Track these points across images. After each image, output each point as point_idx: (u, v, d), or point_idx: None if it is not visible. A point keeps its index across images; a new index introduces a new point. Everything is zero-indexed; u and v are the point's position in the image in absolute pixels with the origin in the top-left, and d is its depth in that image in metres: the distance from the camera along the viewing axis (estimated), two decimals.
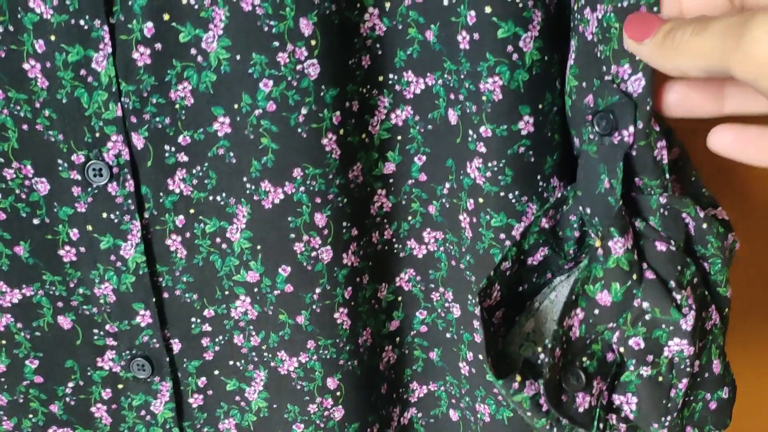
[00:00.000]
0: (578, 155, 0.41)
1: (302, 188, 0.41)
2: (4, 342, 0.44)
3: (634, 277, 0.37)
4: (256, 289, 0.44)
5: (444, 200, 0.45)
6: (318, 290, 0.44)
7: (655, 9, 0.34)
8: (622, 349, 0.38)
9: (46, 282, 0.43)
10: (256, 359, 0.46)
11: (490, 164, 0.40)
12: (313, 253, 0.43)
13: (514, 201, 0.41)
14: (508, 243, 0.42)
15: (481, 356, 0.45)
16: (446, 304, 0.47)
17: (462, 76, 0.40)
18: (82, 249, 0.43)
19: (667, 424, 0.38)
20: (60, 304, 0.44)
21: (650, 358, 0.37)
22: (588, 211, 0.39)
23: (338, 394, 0.46)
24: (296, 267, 0.43)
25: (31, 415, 0.46)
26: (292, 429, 0.47)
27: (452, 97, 0.41)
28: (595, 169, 0.38)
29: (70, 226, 0.42)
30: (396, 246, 0.47)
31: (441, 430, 0.52)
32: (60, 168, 0.41)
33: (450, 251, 0.46)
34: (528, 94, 0.39)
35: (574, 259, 0.42)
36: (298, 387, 0.46)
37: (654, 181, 0.37)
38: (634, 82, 0.35)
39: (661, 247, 0.37)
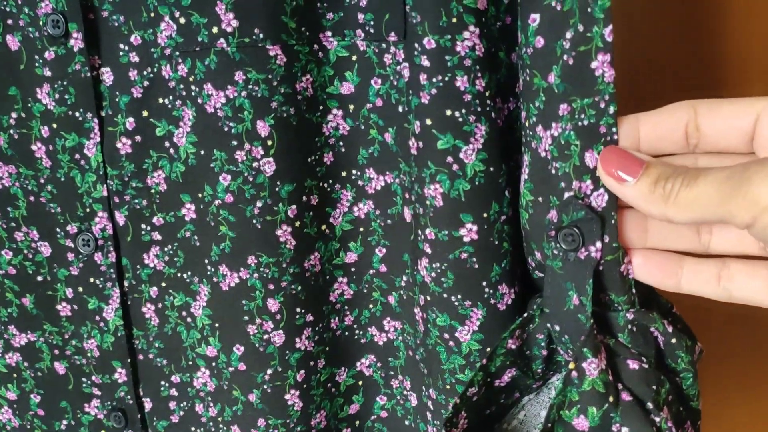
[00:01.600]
0: (536, 265, 0.40)
1: (256, 275, 0.44)
2: (15, 376, 0.51)
3: (611, 399, 0.35)
4: (214, 363, 0.47)
5: (402, 292, 0.45)
6: (269, 371, 0.46)
7: (614, 129, 0.34)
8: None
9: (46, 331, 0.49)
10: (212, 430, 0.48)
11: (434, 265, 0.41)
12: (266, 336, 0.45)
13: (456, 304, 0.41)
14: (452, 344, 0.42)
15: None
16: (404, 392, 0.47)
17: (413, 179, 0.41)
18: (75, 306, 0.48)
19: None
20: (56, 351, 0.50)
21: None
22: (557, 328, 0.38)
23: None
24: (249, 347, 0.45)
25: None
26: None
27: (407, 196, 0.42)
28: (562, 285, 0.37)
29: (66, 286, 0.48)
30: (357, 332, 0.47)
31: None
32: (58, 235, 0.47)
33: (407, 341, 0.46)
34: (470, 203, 0.39)
35: (543, 377, 0.41)
36: None
37: (621, 296, 0.36)
38: (597, 197, 0.35)
39: (633, 365, 0.36)
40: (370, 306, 0.47)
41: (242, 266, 0.44)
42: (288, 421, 0.47)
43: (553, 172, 0.36)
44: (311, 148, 0.43)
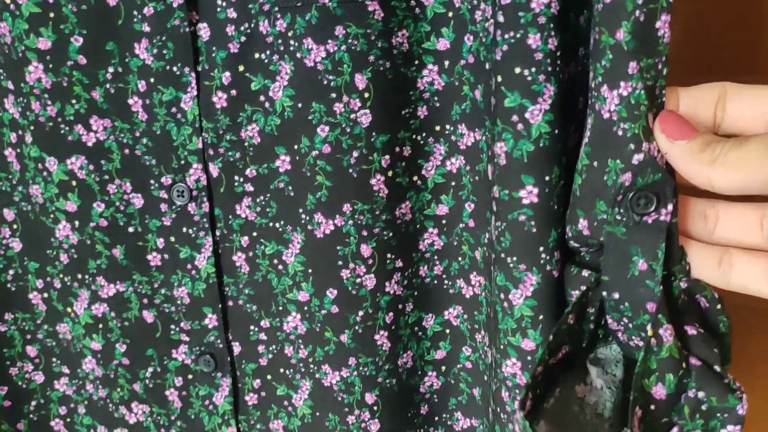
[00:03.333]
0: (573, 236, 0.40)
1: (351, 222, 0.46)
2: (101, 326, 0.53)
3: (683, 365, 0.35)
4: (306, 308, 0.49)
5: (485, 249, 0.47)
6: (361, 313, 0.48)
7: (664, 92, 0.35)
8: None
9: (135, 281, 0.51)
10: (303, 370, 0.51)
11: (497, 224, 0.41)
12: (358, 280, 0.47)
13: (511, 266, 0.41)
14: (506, 305, 0.42)
15: (498, 409, 0.46)
16: (485, 348, 0.50)
17: (491, 136, 0.42)
18: (166, 256, 0.50)
19: None
20: (145, 300, 0.51)
21: None
22: (616, 296, 0.38)
23: (375, 408, 0.51)
24: (342, 291, 0.48)
25: (119, 389, 0.55)
26: None
27: (489, 153, 0.44)
28: (626, 252, 0.37)
29: (157, 236, 0.50)
30: (446, 282, 0.50)
31: None
32: (152, 187, 0.48)
33: (488, 297, 0.48)
34: (532, 165, 0.39)
35: (586, 352, 0.41)
36: (339, 398, 0.51)
37: (677, 265, 0.36)
38: (662, 158, 0.35)
39: (692, 331, 0.37)
40: (459, 259, 0.49)
41: (338, 214, 0.46)
42: (377, 359, 0.49)
43: (620, 133, 0.36)
44: (405, 101, 0.45)
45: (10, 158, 0.50)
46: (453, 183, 0.47)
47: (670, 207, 0.35)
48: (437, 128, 0.46)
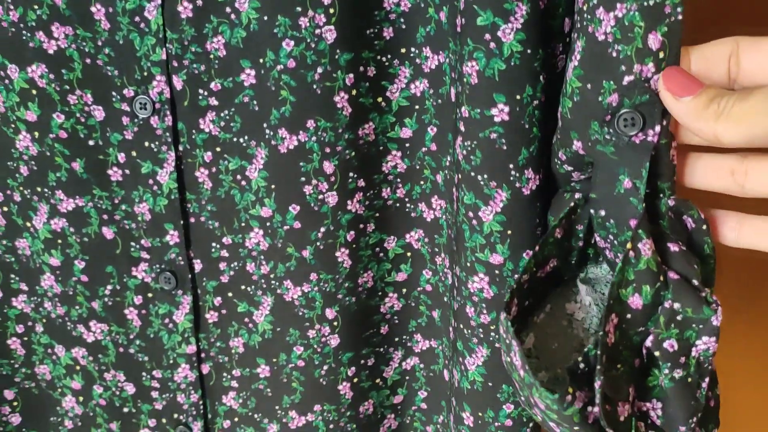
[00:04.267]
0: (567, 158, 0.41)
1: (314, 138, 0.47)
2: (59, 241, 0.53)
3: (661, 278, 0.37)
4: (268, 224, 0.50)
5: (446, 171, 0.48)
6: (322, 229, 0.49)
7: (679, 9, 0.35)
8: (657, 353, 0.37)
9: (96, 196, 0.51)
10: (264, 286, 0.52)
11: (466, 143, 0.42)
12: (320, 196, 0.48)
13: (482, 183, 0.42)
14: (474, 223, 0.43)
15: (461, 325, 0.47)
16: (445, 270, 0.51)
17: (457, 57, 0.42)
18: (127, 171, 0.50)
19: (692, 425, 0.38)
20: (105, 216, 0.51)
21: (682, 359, 0.37)
22: (602, 213, 0.39)
23: (335, 323, 0.52)
24: (304, 207, 0.48)
25: (77, 307, 0.55)
26: (293, 351, 0.53)
27: (453, 75, 0.44)
28: (613, 170, 0.38)
29: (118, 150, 0.49)
30: (408, 206, 0.51)
31: (437, 384, 0.56)
32: (114, 99, 0.48)
33: (449, 220, 0.49)
34: (503, 83, 0.40)
35: (576, 269, 0.43)
36: (300, 313, 0.52)
37: (665, 183, 0.38)
38: (657, 80, 0.35)
39: (674, 248, 0.38)
40: (421, 183, 0.50)
41: (301, 129, 0.46)
42: (337, 276, 0.51)
43: (614, 55, 0.36)
44: (370, 21, 0.45)
45: None
46: (417, 106, 0.48)
47: (657, 128, 0.36)
48: (402, 50, 0.46)
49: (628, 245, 0.37)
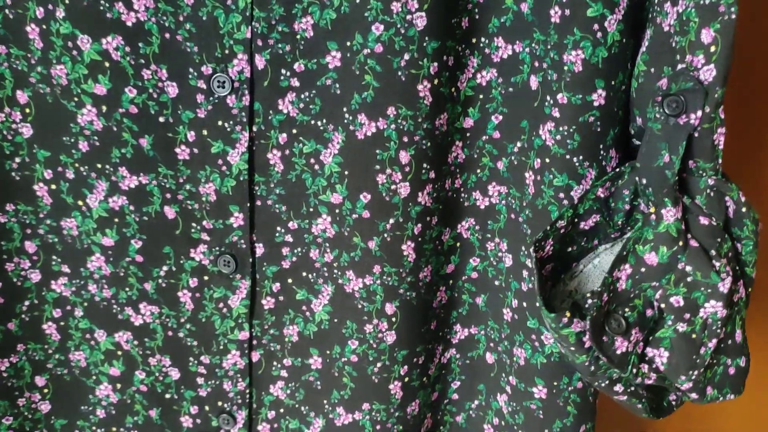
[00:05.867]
0: (636, 133, 0.45)
1: (393, 126, 0.47)
2: (116, 220, 0.51)
3: (680, 243, 0.41)
4: (337, 210, 0.49)
5: (513, 157, 0.49)
6: (391, 221, 0.49)
7: (733, 9, 0.38)
8: (663, 305, 0.42)
9: (160, 174, 0.50)
10: (326, 274, 0.51)
11: (561, 128, 0.45)
12: (393, 186, 0.48)
13: (577, 164, 0.45)
14: (566, 202, 0.46)
15: (525, 304, 0.50)
16: (500, 254, 0.52)
17: (549, 47, 0.44)
18: (195, 150, 0.49)
19: (693, 378, 0.43)
20: (168, 195, 0.50)
21: (687, 316, 0.42)
22: (644, 181, 0.43)
23: (393, 319, 0.52)
24: (376, 196, 0.48)
25: (127, 289, 0.53)
26: (347, 344, 0.53)
27: (536, 64, 0.46)
28: (657, 145, 0.42)
29: (188, 129, 0.48)
30: (463, 195, 0.51)
31: (475, 370, 0.56)
32: (190, 76, 0.47)
33: (511, 205, 0.50)
34: (604, 70, 0.43)
35: (621, 229, 0.47)
36: (359, 306, 0.51)
37: (708, 164, 0.41)
38: (706, 71, 0.39)
39: (704, 221, 0.42)
40: (478, 171, 0.51)
41: (381, 116, 0.46)
42: (401, 270, 0.50)
43: (673, 45, 0.40)
44: (456, 10, 0.46)
45: (33, 35, 0.47)
46: (481, 96, 0.49)
47: (699, 113, 0.40)
48: (473, 40, 0.47)
49: (652, 209, 0.42)
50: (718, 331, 0.41)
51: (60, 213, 0.52)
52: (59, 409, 0.58)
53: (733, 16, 0.38)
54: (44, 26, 0.47)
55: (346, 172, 0.48)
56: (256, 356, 0.54)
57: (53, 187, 0.51)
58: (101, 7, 0.45)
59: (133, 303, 0.53)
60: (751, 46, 0.57)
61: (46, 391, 0.57)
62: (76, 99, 0.48)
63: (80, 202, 0.51)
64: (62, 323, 0.55)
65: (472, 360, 0.56)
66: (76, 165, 0.50)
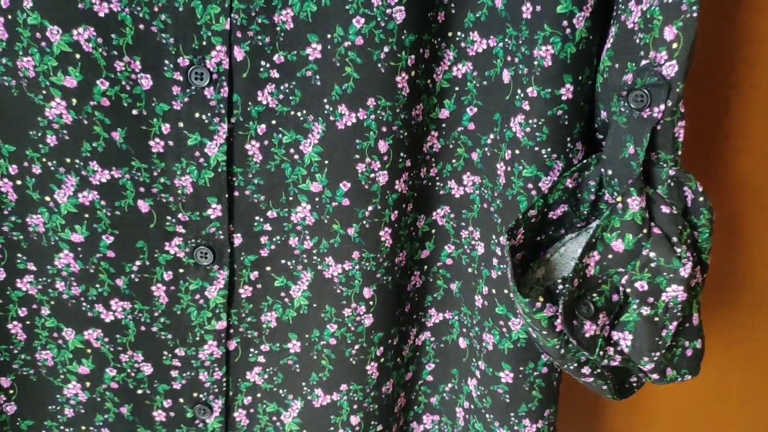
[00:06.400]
0: (600, 126, 0.47)
1: (373, 116, 0.48)
2: (86, 216, 0.50)
3: (645, 231, 0.44)
4: (317, 199, 0.50)
5: (486, 149, 0.51)
6: (370, 208, 0.50)
7: (694, 8, 0.40)
8: (629, 290, 0.45)
9: (134, 168, 0.49)
10: (305, 261, 0.52)
11: (530, 121, 0.46)
12: (372, 175, 0.49)
13: (545, 156, 0.47)
14: (534, 193, 0.48)
15: (494, 291, 0.52)
16: (473, 242, 0.54)
17: (520, 42, 0.46)
18: (171, 143, 0.48)
19: (655, 359, 0.46)
20: (142, 189, 0.49)
21: (651, 300, 0.44)
22: (609, 172, 0.46)
23: (371, 303, 0.53)
24: (355, 184, 0.49)
25: (97, 285, 0.52)
26: (326, 328, 0.54)
27: (509, 59, 0.48)
28: (622, 137, 0.44)
29: (163, 121, 0.48)
30: (438, 184, 0.53)
31: (449, 354, 0.58)
32: (165, 68, 0.46)
33: (484, 195, 0.52)
34: (572, 65, 0.45)
35: (586, 219, 0.49)
36: (338, 291, 0.53)
37: (669, 155, 0.44)
38: (668, 67, 0.42)
39: (665, 210, 0.44)
40: (453, 161, 0.52)
41: (361, 107, 0.47)
42: (378, 255, 0.52)
43: (637, 41, 0.42)
44: (432, 4, 0.47)
45: None
46: (457, 88, 0.50)
47: (662, 107, 0.42)
48: (449, 34, 0.49)
49: (618, 198, 0.44)
50: (678, 314, 0.45)
51: (25, 210, 0.50)
52: (25, 410, 0.56)
53: (695, 15, 0.40)
54: (9, 16, 0.45)
55: (326, 162, 0.49)
56: (232, 345, 0.55)
57: (18, 182, 0.49)
58: None
59: (103, 300, 0.52)
60: (710, 43, 0.61)
61: (11, 392, 0.55)
62: (44, 92, 0.46)
63: (47, 198, 0.50)
64: (28, 322, 0.54)
65: (446, 344, 0.58)
66: (44, 160, 0.48)
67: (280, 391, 0.56)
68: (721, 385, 0.73)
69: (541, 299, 0.44)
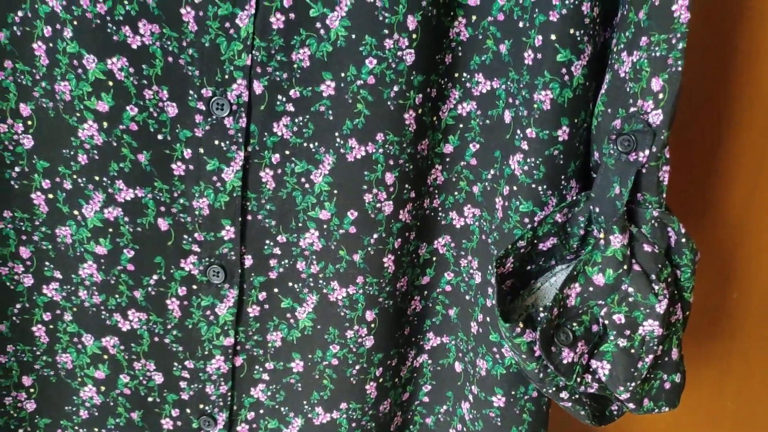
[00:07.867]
0: (593, 166, 0.50)
1: (381, 150, 0.51)
2: (110, 230, 0.53)
3: (625, 267, 0.46)
4: (325, 226, 0.53)
5: (486, 184, 0.54)
6: (375, 236, 0.53)
7: (680, 62, 0.43)
8: (607, 322, 0.47)
9: (156, 188, 0.52)
10: (311, 284, 0.55)
11: (528, 160, 0.49)
12: (378, 205, 0.52)
13: (541, 193, 0.49)
14: (529, 226, 0.50)
15: (489, 318, 0.54)
16: (471, 271, 0.56)
17: (521, 85, 0.49)
18: (191, 167, 0.52)
19: (630, 389, 0.48)
20: (162, 208, 0.53)
21: (628, 332, 0.47)
22: (597, 210, 0.48)
23: (372, 325, 0.56)
24: (362, 213, 0.52)
25: (117, 296, 0.55)
26: (329, 349, 0.56)
27: (510, 100, 0.50)
28: (610, 178, 0.47)
29: (185, 146, 0.51)
30: (440, 214, 0.56)
31: (445, 377, 0.61)
32: (189, 98, 0.50)
33: (483, 227, 0.55)
34: (569, 109, 0.48)
35: (576, 252, 0.52)
36: (342, 314, 0.55)
37: (653, 197, 0.46)
38: (654, 115, 0.44)
39: (647, 248, 0.46)
40: (455, 193, 0.55)
41: (370, 141, 0.50)
42: (381, 280, 0.54)
43: (627, 90, 0.45)
44: (440, 47, 0.50)
45: (39, 52, 0.49)
46: (461, 125, 0.53)
47: (647, 152, 0.45)
48: (456, 75, 0.52)
49: (601, 235, 0.47)
50: (655, 348, 0.47)
51: (55, 221, 0.54)
52: (44, 409, 0.60)
53: (680, 69, 0.43)
54: (51, 44, 0.49)
55: (335, 191, 0.52)
56: (238, 361, 0.58)
57: (50, 196, 0.53)
58: (108, 30, 0.48)
59: (122, 309, 0.56)
60: (699, 92, 0.63)
61: (32, 390, 0.59)
62: (78, 114, 0.50)
63: (76, 212, 0.53)
64: (51, 326, 0.57)
65: (443, 367, 0.60)
66: (74, 176, 0.52)
67: (282, 409, 0.59)
68: (714, 413, 0.74)
69: (521, 324, 0.47)
